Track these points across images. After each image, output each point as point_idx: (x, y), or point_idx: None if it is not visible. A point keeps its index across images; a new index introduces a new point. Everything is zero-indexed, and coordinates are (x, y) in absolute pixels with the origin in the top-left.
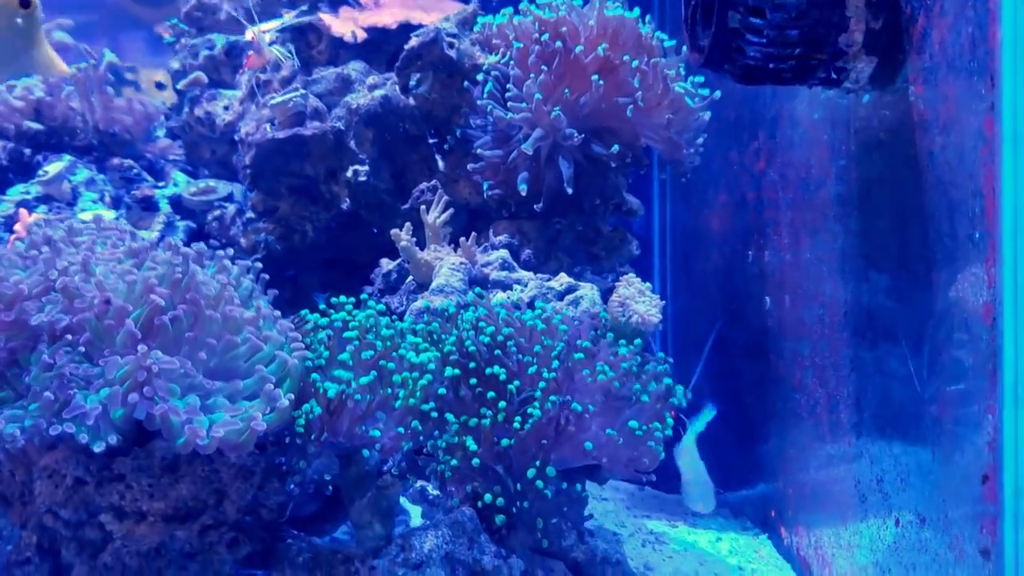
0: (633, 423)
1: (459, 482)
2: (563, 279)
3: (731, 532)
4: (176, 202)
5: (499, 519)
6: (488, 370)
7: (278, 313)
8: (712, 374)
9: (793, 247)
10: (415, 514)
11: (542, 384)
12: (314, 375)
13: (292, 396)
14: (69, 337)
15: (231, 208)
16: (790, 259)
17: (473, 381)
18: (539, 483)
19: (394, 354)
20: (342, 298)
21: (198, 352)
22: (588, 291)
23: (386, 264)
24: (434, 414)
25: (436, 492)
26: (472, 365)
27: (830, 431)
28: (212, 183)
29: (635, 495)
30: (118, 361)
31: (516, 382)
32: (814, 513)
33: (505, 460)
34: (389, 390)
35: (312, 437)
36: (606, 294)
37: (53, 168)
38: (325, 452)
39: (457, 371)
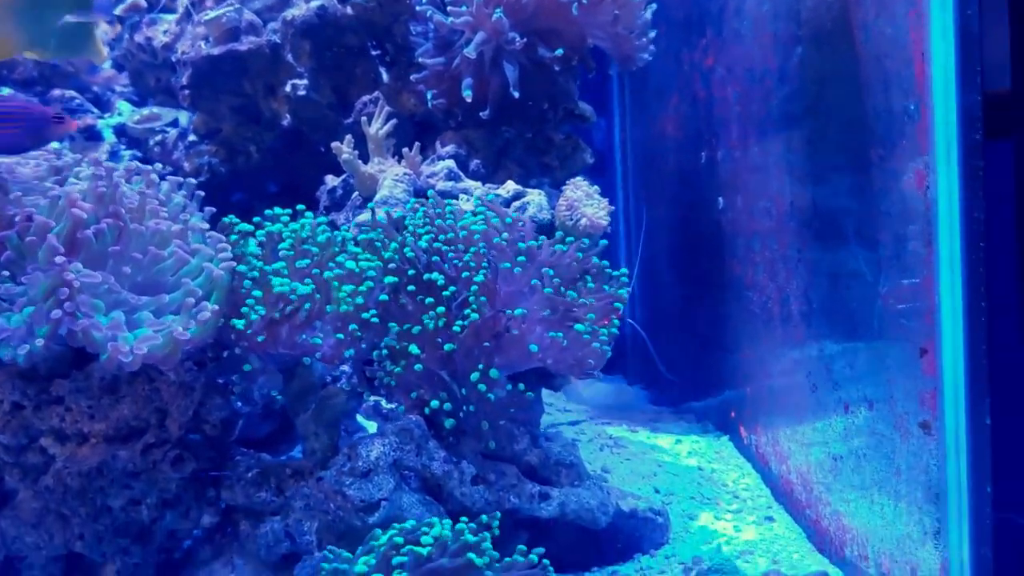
0: (579, 326)
1: (405, 390)
2: (510, 186)
3: (692, 435)
4: (121, 131)
5: (448, 423)
6: (427, 275)
7: (206, 226)
8: (671, 281)
9: (742, 142)
10: (371, 429)
11: (474, 287)
12: (246, 282)
13: (217, 307)
14: None
15: (173, 132)
16: (739, 155)
17: (412, 288)
18: (482, 386)
19: (331, 263)
20: (276, 210)
21: (123, 267)
22: (535, 197)
23: (331, 180)
24: (375, 319)
25: (391, 406)
26: (411, 272)
27: (781, 324)
28: (156, 110)
29: (601, 405)
30: (39, 277)
31: (452, 287)
32: (771, 410)
33: (450, 365)
34: (320, 295)
35: (256, 339)
36: None
37: None
38: (268, 367)
39: (395, 279)
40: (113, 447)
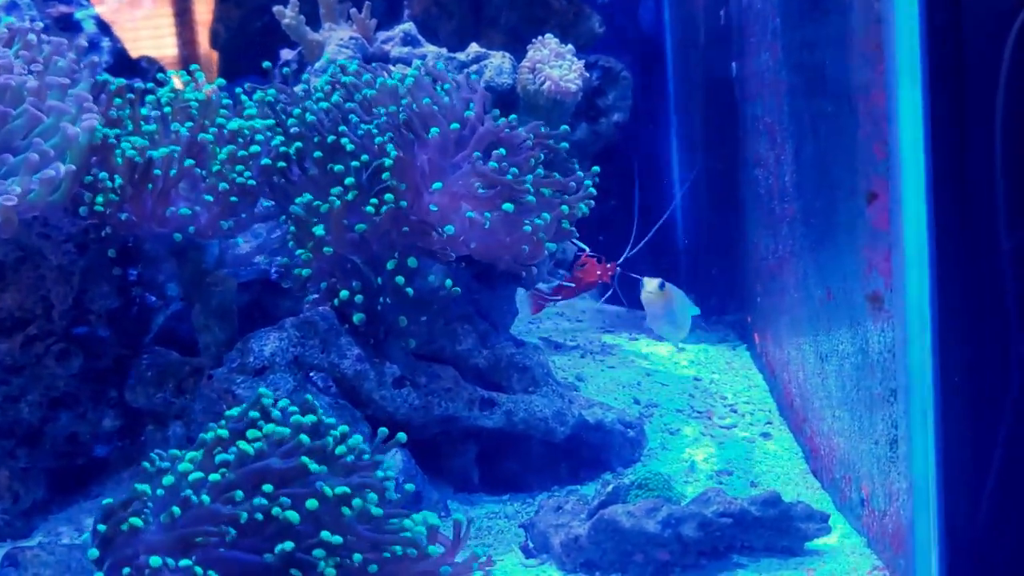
0: (507, 205)
1: (316, 278)
2: (472, 49)
3: (703, 344)
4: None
5: (356, 317)
6: (330, 138)
7: (67, 81)
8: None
9: None
10: None
11: (387, 160)
12: (125, 146)
13: (73, 168)
14: None
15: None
16: (745, 4)
17: (318, 155)
18: (399, 278)
19: (207, 122)
20: (169, 72)
21: None
22: (497, 59)
23: (286, 54)
24: (251, 182)
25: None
26: (317, 140)
27: (779, 199)
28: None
29: (622, 315)
30: None
31: (365, 156)
32: (776, 308)
33: (364, 250)
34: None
35: (117, 215)
36: None
37: None
38: (159, 250)
39: (299, 144)
40: None
